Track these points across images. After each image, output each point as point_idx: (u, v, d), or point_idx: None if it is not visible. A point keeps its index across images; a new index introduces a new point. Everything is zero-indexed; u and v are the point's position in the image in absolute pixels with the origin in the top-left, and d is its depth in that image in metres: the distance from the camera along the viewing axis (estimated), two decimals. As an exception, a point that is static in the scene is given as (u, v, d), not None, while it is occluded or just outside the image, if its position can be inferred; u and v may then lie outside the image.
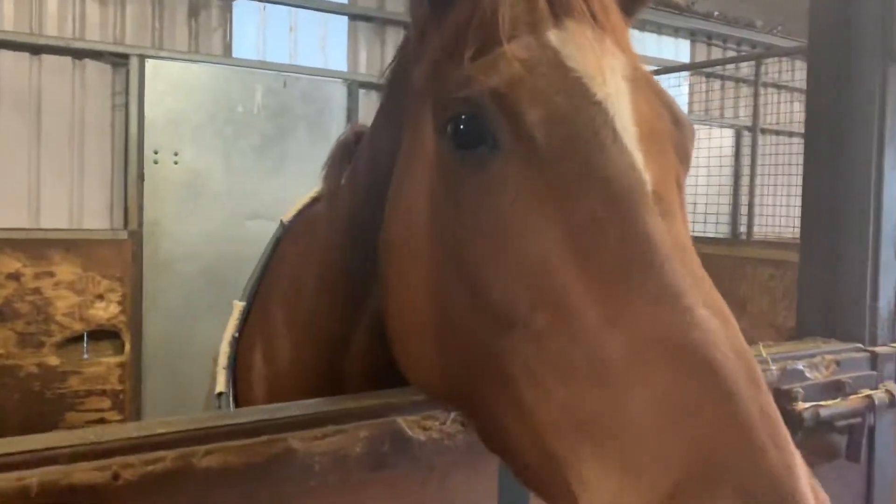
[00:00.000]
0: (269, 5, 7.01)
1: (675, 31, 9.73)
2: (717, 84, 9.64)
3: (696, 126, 1.08)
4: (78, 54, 6.14)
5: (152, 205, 6.23)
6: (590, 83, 0.91)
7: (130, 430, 0.91)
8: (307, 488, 1.00)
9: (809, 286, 1.86)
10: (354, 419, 1.06)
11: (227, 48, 6.81)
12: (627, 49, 1.02)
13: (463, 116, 0.92)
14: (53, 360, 5.72)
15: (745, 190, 7.66)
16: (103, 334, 5.99)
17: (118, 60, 6.21)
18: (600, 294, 0.79)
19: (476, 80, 0.91)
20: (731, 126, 9.26)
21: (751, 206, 7.03)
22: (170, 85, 6.24)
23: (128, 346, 6.07)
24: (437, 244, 0.95)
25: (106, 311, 5.92)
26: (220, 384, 1.79)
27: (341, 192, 1.47)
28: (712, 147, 7.71)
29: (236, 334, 1.86)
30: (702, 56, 9.88)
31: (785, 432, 0.68)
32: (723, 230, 7.89)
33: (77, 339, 5.83)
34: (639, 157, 0.87)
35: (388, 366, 1.17)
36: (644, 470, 0.70)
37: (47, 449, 0.86)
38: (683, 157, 1.00)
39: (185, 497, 0.91)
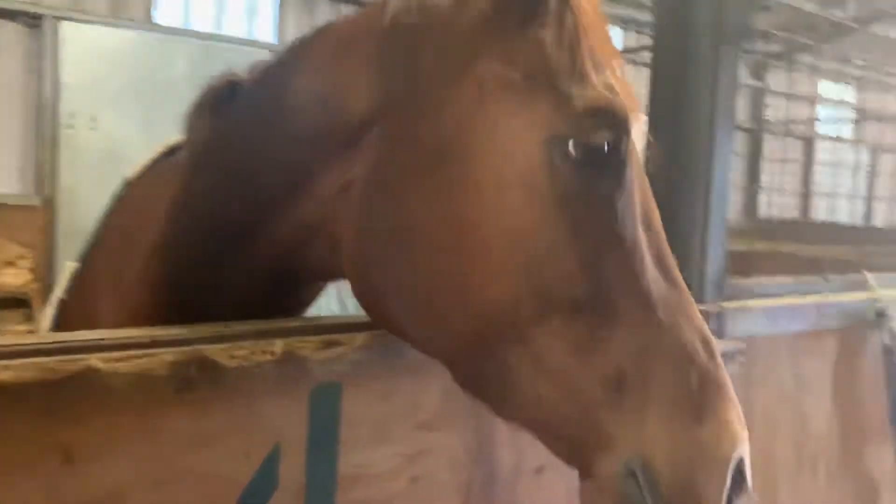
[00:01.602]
0: (193, -28, 6.92)
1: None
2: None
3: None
4: (-10, 13, 5.98)
5: (68, 171, 6.11)
6: (635, 126, 1.14)
7: (-74, 343, 0.98)
8: (108, 405, 1.07)
9: (647, 249, 2.01)
10: (162, 346, 1.14)
11: (149, 14, 6.72)
12: None
13: (593, 140, 1.08)
14: (-40, 327, 5.60)
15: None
16: (13, 302, 5.88)
17: (33, 22, 6.06)
18: (662, 289, 1.10)
19: (615, 117, 1.09)
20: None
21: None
22: (88, 49, 6.11)
23: (38, 315, 5.97)
24: (530, 234, 1.07)
25: (16, 278, 5.80)
26: None
27: (218, 142, 1.42)
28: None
29: (63, 296, 1.85)
30: (631, 44, 10.13)
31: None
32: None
33: (-14, 305, 5.71)
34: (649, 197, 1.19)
35: None
36: (690, 415, 1.04)
37: None
38: None
39: (-21, 407, 0.98)
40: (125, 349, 1.10)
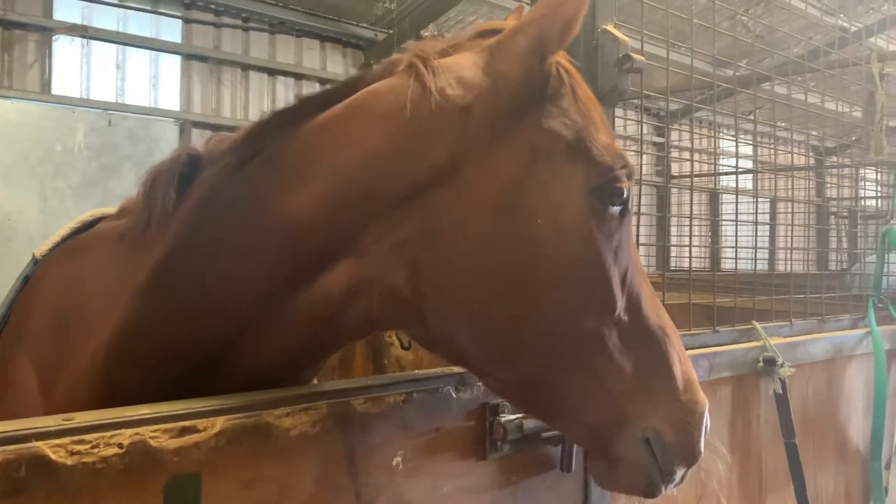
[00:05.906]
0: (93, 41, 6.77)
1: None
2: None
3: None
4: None
5: (-43, 248, 5.79)
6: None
7: None
8: (-83, 519, 0.96)
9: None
10: (-13, 445, 1.03)
11: (46, 84, 6.51)
12: None
13: (617, 186, 1.31)
14: None
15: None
16: None
17: (-83, 94, 5.79)
18: (652, 300, 1.39)
19: (628, 166, 1.33)
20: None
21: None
22: (-22, 121, 5.87)
23: (-78, 403, 5.53)
24: (576, 264, 1.28)
25: None
26: None
27: (192, 215, 1.40)
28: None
29: None
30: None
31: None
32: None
33: None
34: None
35: None
36: (679, 391, 1.38)
37: None
38: None
39: None
40: (-59, 452, 0.99)
